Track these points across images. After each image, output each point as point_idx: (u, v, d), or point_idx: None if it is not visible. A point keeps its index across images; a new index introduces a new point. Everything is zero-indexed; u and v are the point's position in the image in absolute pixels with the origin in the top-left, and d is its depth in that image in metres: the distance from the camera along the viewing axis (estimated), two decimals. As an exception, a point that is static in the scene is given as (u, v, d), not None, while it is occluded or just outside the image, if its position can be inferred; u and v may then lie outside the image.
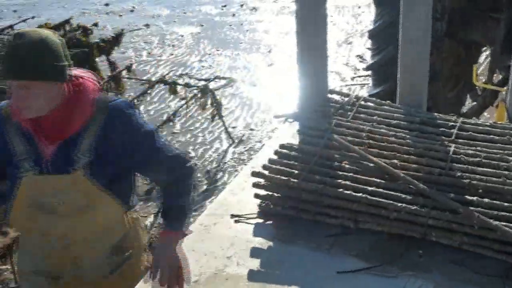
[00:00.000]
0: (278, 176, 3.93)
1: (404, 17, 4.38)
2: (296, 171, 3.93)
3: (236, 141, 7.10)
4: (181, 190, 2.77)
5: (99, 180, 2.49)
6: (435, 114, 4.44)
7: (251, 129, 7.42)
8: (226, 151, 6.97)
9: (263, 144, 6.07)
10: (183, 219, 2.85)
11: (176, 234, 2.82)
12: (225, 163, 6.69)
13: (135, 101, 7.15)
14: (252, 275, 3.47)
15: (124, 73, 8.20)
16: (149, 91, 7.54)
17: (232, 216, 3.96)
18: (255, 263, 3.56)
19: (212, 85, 7.28)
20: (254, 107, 8.02)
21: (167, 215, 2.81)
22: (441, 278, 3.34)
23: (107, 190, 2.55)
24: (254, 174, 4.03)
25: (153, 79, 8.34)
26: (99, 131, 2.44)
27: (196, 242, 3.76)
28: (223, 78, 7.96)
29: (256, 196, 3.98)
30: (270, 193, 3.95)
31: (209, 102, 7.11)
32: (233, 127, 7.48)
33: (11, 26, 9.22)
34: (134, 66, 8.77)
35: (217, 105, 7.16)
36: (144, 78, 8.68)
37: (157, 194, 2.98)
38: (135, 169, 2.72)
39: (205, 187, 6.24)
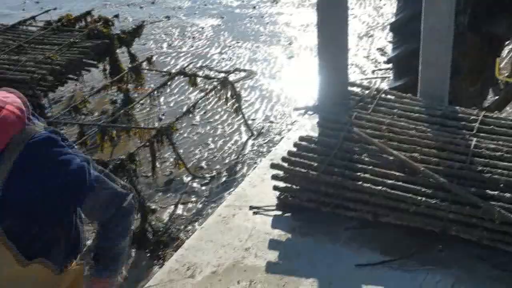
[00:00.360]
0: (298, 169, 3.93)
1: (426, 10, 4.34)
2: (316, 164, 3.92)
3: (256, 133, 7.08)
4: (116, 230, 2.44)
5: (10, 226, 2.17)
6: (457, 107, 4.40)
7: (271, 122, 7.40)
8: (245, 144, 6.95)
9: (283, 137, 6.05)
10: (116, 264, 2.48)
11: (107, 283, 2.45)
12: (244, 155, 6.68)
13: (155, 92, 7.17)
14: (270, 267, 3.47)
15: (144, 64, 8.23)
16: (169, 83, 7.53)
17: (251, 208, 3.97)
18: (273, 255, 3.57)
19: (232, 77, 7.26)
20: (274, 99, 8.00)
21: (99, 259, 2.45)
22: (461, 273, 3.32)
23: (17, 239, 2.19)
24: (273, 166, 4.03)
25: (173, 71, 8.32)
26: (13, 169, 2.16)
27: (214, 233, 3.78)
28: (243, 70, 7.94)
29: (275, 188, 3.98)
30: (289, 185, 3.95)
31: (229, 94, 7.11)
32: (253, 120, 7.46)
33: (33, 17, 9.30)
34: (154, 58, 8.75)
35: (237, 98, 7.16)
36: (164, 70, 8.68)
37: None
38: (70, 208, 2.37)
39: (224, 179, 6.24)
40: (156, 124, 7.18)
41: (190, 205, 5.94)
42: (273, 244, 3.66)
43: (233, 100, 7.23)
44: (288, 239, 3.71)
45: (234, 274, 3.42)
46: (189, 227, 5.58)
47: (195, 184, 6.26)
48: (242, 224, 3.84)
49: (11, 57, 7.75)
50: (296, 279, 3.37)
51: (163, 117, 7.74)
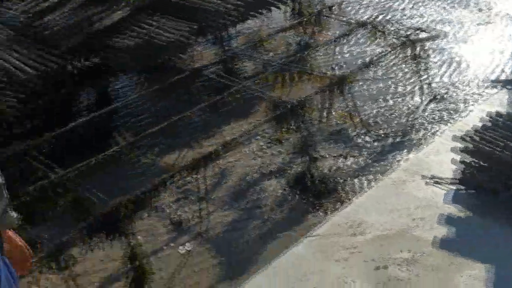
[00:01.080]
0: (486, 145, 3.63)
1: None
2: (507, 143, 3.61)
3: (437, 97, 6.70)
4: None
5: None
6: None
7: (456, 88, 6.94)
8: (424, 106, 6.61)
9: (470, 107, 5.65)
10: None
11: None
12: (422, 118, 6.35)
13: (335, 41, 7.00)
14: (438, 242, 3.30)
15: (327, 11, 8.06)
16: (350, 33, 7.33)
17: (428, 177, 3.77)
18: (442, 231, 3.39)
19: (419, 35, 6.88)
20: (462, 65, 7.48)
21: None
22: None
23: None
24: (460, 138, 3.77)
25: (356, 21, 8.08)
26: None
27: (385, 196, 3.65)
28: (433, 30, 7.51)
29: (457, 161, 3.73)
30: (474, 161, 3.68)
31: (412, 53, 6.76)
32: (436, 82, 7.06)
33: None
34: (338, 6, 8.54)
35: (421, 58, 6.79)
36: (347, 19, 8.46)
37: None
38: None
39: (394, 139, 5.99)
40: (331, 73, 7.04)
41: (354, 159, 5.79)
42: (445, 219, 3.47)
43: (417, 60, 6.87)
44: (462, 217, 3.49)
45: (399, 242, 3.29)
46: (349, 182, 5.44)
47: (362, 140, 6.09)
48: (415, 193, 3.67)
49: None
50: (464, 260, 3.17)
51: (344, 65, 7.59)
